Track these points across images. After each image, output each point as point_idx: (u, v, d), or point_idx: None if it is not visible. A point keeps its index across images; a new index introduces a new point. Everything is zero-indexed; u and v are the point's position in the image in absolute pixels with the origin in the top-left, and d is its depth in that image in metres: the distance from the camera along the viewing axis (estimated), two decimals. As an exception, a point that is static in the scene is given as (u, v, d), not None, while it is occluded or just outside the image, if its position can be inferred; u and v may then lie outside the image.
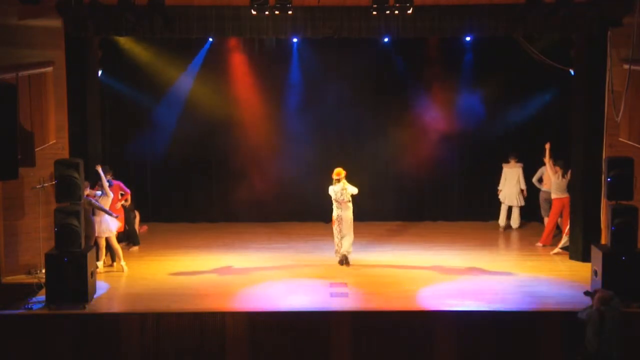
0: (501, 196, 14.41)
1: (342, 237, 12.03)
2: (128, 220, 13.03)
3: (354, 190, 11.96)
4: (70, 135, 11.84)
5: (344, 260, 12.08)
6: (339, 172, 11.97)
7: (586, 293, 9.22)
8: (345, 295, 10.66)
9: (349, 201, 11.99)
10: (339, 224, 12.04)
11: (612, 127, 11.55)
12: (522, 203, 14.30)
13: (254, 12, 11.02)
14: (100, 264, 11.63)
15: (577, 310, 9.21)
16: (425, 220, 15.17)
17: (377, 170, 14.56)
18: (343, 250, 12.13)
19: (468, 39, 13.84)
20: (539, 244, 13.32)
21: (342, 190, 11.91)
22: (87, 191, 11.37)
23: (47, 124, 11.16)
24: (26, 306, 10.09)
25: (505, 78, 14.65)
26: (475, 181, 15.16)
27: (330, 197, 12.12)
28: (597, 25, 11.33)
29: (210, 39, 14.05)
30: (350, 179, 12.11)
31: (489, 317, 9.84)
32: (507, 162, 14.30)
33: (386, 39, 13.76)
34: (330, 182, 12.12)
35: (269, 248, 13.23)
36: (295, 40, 14.02)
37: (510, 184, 14.28)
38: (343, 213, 12.00)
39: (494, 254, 12.85)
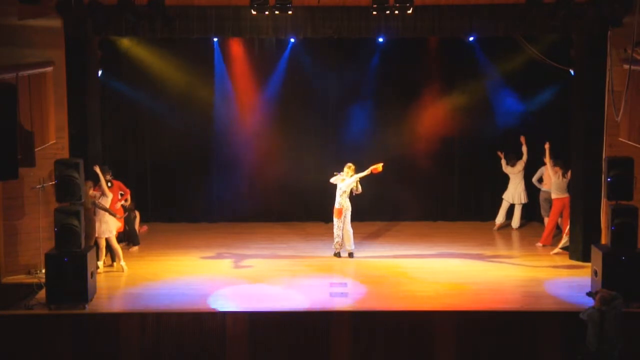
0: (505, 195, 14.41)
1: (343, 229, 12.36)
2: (128, 220, 13.02)
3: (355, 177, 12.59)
4: (70, 135, 11.85)
5: (350, 255, 12.52)
6: (351, 166, 12.44)
7: (589, 294, 9.23)
8: (345, 295, 10.67)
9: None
10: (345, 216, 12.35)
11: (612, 127, 11.54)
12: (526, 200, 14.30)
13: (254, 12, 11.02)
14: (100, 264, 11.63)
15: (577, 310, 9.23)
16: (425, 220, 15.17)
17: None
18: (349, 248, 12.50)
19: (471, 39, 13.84)
20: (539, 244, 13.32)
21: (357, 184, 12.39)
22: (91, 192, 11.39)
23: (47, 124, 11.16)
24: (26, 306, 10.10)
25: (505, 78, 14.67)
26: (475, 181, 15.17)
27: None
28: (597, 25, 11.32)
29: (215, 39, 14.07)
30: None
31: (489, 317, 9.84)
32: (508, 162, 14.30)
33: (380, 39, 13.77)
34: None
35: (269, 248, 13.23)
36: (292, 40, 14.01)
37: (514, 183, 14.29)
38: (349, 204, 12.41)
39: (494, 254, 12.85)
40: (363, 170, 12.44)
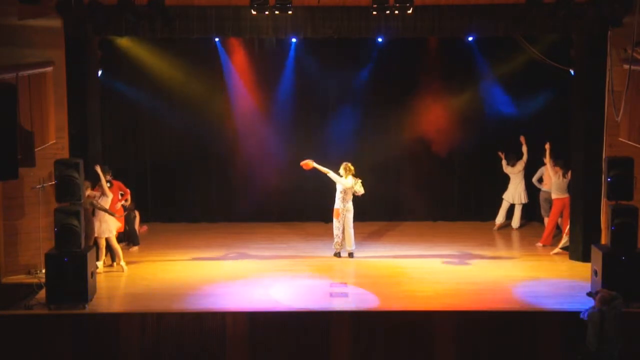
0: (505, 195, 14.41)
1: (344, 230, 12.33)
2: (128, 220, 13.02)
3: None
4: (70, 135, 11.85)
5: (350, 255, 12.50)
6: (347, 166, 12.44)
7: (589, 294, 9.23)
8: (345, 295, 10.67)
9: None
10: (344, 217, 12.32)
11: (612, 127, 11.54)
12: (526, 200, 14.30)
13: (254, 12, 11.02)
14: (100, 264, 11.63)
15: (577, 311, 9.23)
16: (426, 220, 15.17)
17: (376, 170, 14.52)
18: (350, 249, 12.49)
19: (470, 39, 13.84)
20: (539, 244, 13.32)
21: (357, 184, 12.35)
22: (89, 192, 11.38)
23: (47, 124, 11.16)
24: (26, 306, 10.09)
25: (505, 78, 14.67)
26: (475, 181, 15.17)
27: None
28: (597, 25, 11.33)
29: (217, 39, 14.07)
30: (350, 178, 12.45)
31: (489, 317, 9.84)
32: (508, 162, 14.29)
33: (380, 39, 13.77)
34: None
35: (269, 248, 13.23)
36: (294, 40, 14.02)
37: (515, 183, 14.29)
38: (350, 205, 12.37)
39: (494, 254, 12.85)
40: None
